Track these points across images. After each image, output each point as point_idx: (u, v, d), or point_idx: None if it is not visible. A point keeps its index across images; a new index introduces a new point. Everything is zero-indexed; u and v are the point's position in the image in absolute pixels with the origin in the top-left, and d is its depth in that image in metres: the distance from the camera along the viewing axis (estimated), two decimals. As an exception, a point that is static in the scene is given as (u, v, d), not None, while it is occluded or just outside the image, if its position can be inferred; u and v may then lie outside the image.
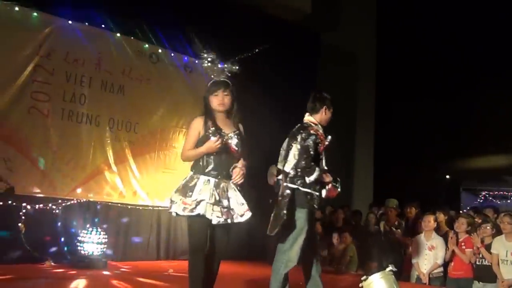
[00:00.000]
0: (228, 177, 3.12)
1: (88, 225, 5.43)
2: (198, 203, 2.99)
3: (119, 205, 5.86)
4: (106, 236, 5.37)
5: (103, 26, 5.73)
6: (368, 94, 8.93)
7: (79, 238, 5.28)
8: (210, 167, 3.10)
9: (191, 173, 3.15)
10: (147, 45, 6.12)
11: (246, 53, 6.66)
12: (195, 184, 3.06)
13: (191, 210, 2.98)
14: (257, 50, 6.74)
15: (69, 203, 5.48)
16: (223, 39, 6.47)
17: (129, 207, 5.92)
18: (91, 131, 5.67)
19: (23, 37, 5.17)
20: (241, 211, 3.11)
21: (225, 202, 3.06)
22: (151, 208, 6.12)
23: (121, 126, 5.90)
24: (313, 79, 8.06)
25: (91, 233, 5.26)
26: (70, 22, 5.48)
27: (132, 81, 5.98)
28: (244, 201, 3.16)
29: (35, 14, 5.26)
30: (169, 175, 6.25)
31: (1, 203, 5.00)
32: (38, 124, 5.30)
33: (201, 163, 3.10)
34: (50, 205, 5.35)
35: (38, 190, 5.31)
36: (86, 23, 5.62)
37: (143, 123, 6.06)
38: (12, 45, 5.10)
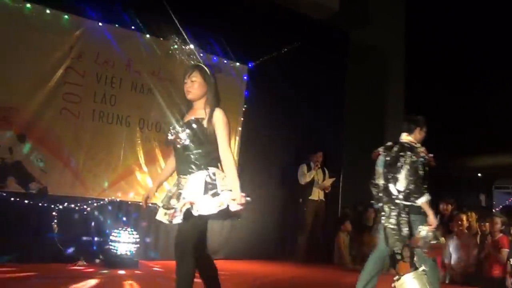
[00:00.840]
0: (186, 172, 2.90)
1: (119, 225, 5.49)
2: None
3: (149, 205, 5.85)
4: (137, 236, 5.41)
5: (132, 27, 5.74)
6: (397, 92, 8.77)
7: (111, 238, 5.33)
8: (176, 165, 3.01)
9: None
10: (176, 46, 6.11)
11: (275, 52, 6.70)
12: None
13: None
14: (286, 49, 6.78)
15: (100, 203, 5.54)
16: (252, 39, 6.51)
17: (158, 207, 5.92)
18: (121, 132, 5.70)
19: (54, 39, 5.23)
20: (205, 203, 2.79)
21: (172, 202, 2.96)
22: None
23: (151, 126, 5.92)
24: (342, 78, 7.96)
25: (122, 233, 5.31)
26: (100, 24, 5.52)
27: (162, 82, 5.99)
28: (221, 192, 2.83)
29: (66, 16, 5.32)
30: (199, 175, 6.25)
31: (34, 203, 5.09)
32: (70, 125, 5.36)
33: None
34: (82, 205, 5.42)
35: (70, 190, 5.36)
36: (116, 25, 5.65)
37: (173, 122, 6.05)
38: (43, 47, 5.17)
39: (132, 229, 5.42)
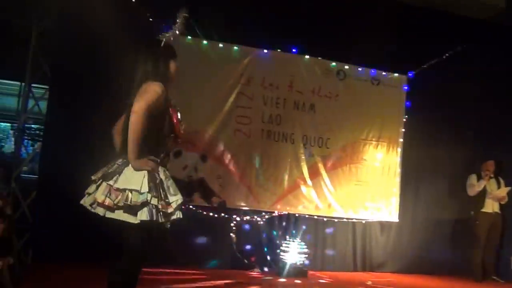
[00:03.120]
0: None
1: (288, 236, 5.86)
2: None
3: (315, 217, 6.16)
4: (305, 247, 5.71)
5: (293, 51, 6.15)
6: None
7: (282, 248, 5.72)
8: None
9: None
10: (334, 63, 6.36)
11: (436, 59, 6.49)
12: None
13: None
14: (448, 55, 6.51)
15: (271, 215, 5.99)
16: (410, 47, 6.41)
17: (324, 219, 6.18)
18: (287, 148, 6.10)
19: (227, 69, 5.89)
20: None
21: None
22: (346, 220, 6.29)
23: (313, 142, 6.22)
24: (513, 79, 7.30)
25: (292, 244, 5.66)
26: (265, 51, 6.04)
27: (322, 99, 6.27)
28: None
29: (235, 48, 5.95)
30: (361, 188, 6.36)
31: (216, 215, 5.74)
32: (242, 144, 5.93)
33: None
34: (255, 217, 5.93)
35: (244, 204, 5.90)
36: (279, 50, 6.11)
37: (334, 138, 6.29)
38: (219, 77, 5.85)
39: (300, 240, 5.74)
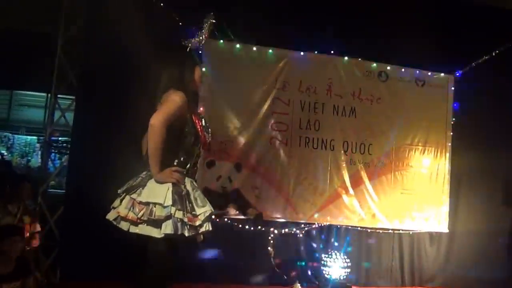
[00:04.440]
0: None
1: (330, 249, 5.49)
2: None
3: (358, 228, 5.77)
4: (348, 260, 5.34)
5: (332, 52, 5.78)
6: None
7: (323, 262, 5.36)
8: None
9: None
10: (375, 64, 5.96)
11: (485, 57, 6.03)
12: None
13: None
14: (498, 51, 6.04)
15: (311, 227, 5.63)
16: (457, 46, 5.96)
17: (368, 230, 5.78)
18: (327, 156, 5.73)
19: (261, 73, 5.56)
20: None
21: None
22: (391, 231, 5.86)
23: (355, 148, 5.83)
24: None
25: (334, 257, 5.30)
26: (302, 53, 5.68)
27: (363, 102, 5.87)
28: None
29: (270, 51, 5.61)
30: (408, 196, 5.92)
31: (252, 228, 5.42)
32: (279, 153, 5.59)
33: None
34: (294, 229, 5.58)
35: (282, 215, 5.56)
36: (316, 52, 5.74)
37: (376, 143, 5.87)
38: (252, 82, 5.53)
39: (343, 254, 5.37)
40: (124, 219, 2.55)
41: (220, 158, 5.36)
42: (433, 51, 5.84)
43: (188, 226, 2.54)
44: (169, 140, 2.56)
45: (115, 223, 2.63)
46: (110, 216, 2.65)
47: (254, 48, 5.55)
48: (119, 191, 2.67)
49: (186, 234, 2.54)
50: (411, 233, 5.95)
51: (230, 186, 5.42)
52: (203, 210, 2.62)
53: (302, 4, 5.59)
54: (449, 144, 6.13)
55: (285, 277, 5.44)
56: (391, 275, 5.88)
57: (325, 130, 5.73)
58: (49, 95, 5.21)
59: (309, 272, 5.54)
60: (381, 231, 5.84)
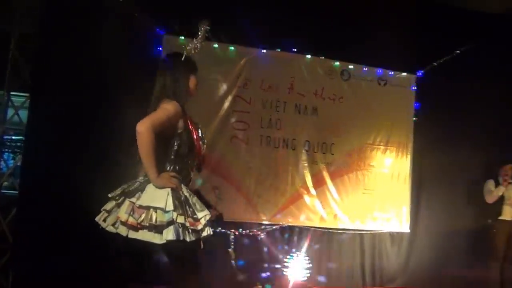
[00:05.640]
0: None
1: (291, 250, 5.43)
2: None
3: (320, 229, 5.73)
4: (309, 261, 5.29)
5: (294, 50, 5.70)
6: None
7: (284, 263, 5.30)
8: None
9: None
10: (337, 63, 5.92)
11: (447, 57, 6.06)
12: None
13: None
14: (459, 52, 6.07)
15: (272, 228, 5.56)
16: (418, 45, 5.96)
17: (330, 231, 5.75)
18: (288, 156, 5.66)
19: (222, 71, 5.45)
20: None
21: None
22: (353, 231, 5.84)
23: (317, 148, 5.78)
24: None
25: (295, 258, 5.24)
26: (264, 51, 5.60)
27: (325, 101, 5.82)
28: None
29: (231, 48, 5.50)
30: (369, 197, 5.91)
31: (212, 229, 5.31)
32: (240, 152, 5.49)
33: None
34: (255, 230, 5.50)
35: (243, 216, 5.47)
36: (278, 49, 5.67)
37: (339, 143, 5.84)
38: (213, 80, 5.41)
39: (304, 255, 5.32)
40: (124, 224, 2.50)
41: (179, 157, 5.25)
42: (395, 51, 5.84)
43: (189, 231, 2.54)
44: (160, 149, 2.55)
45: (112, 228, 2.56)
46: (109, 220, 2.58)
47: (215, 45, 5.42)
48: (110, 195, 2.62)
49: (188, 239, 2.52)
50: (372, 233, 5.94)
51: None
52: (204, 213, 2.63)
53: (264, 1, 5.49)
54: (411, 144, 6.15)
55: (246, 279, 5.35)
56: (352, 275, 5.85)
57: (287, 129, 5.65)
58: (2, 92, 5.03)
59: (270, 274, 5.44)
60: (342, 232, 5.80)
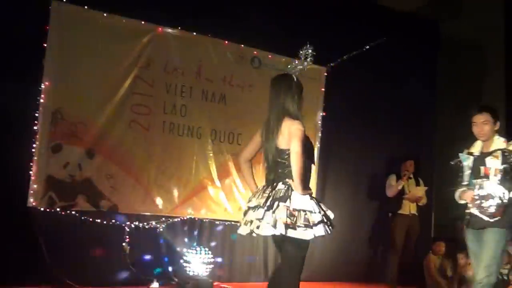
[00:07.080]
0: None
1: (193, 244, 5.12)
2: None
3: (224, 222, 5.47)
4: (211, 256, 5.01)
5: (203, 31, 5.35)
6: (496, 88, 7.69)
7: (185, 258, 4.97)
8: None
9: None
10: (247, 48, 5.66)
11: (355, 51, 6.06)
12: None
13: None
14: (368, 47, 6.11)
15: (172, 220, 5.20)
16: (329, 38, 5.89)
17: (233, 223, 5.50)
18: (192, 144, 5.33)
19: (121, 48, 4.94)
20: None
21: (259, 212, 3.00)
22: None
23: (223, 137, 5.50)
24: (433, 75, 7.13)
25: (196, 253, 4.94)
26: (169, 30, 5.17)
27: (234, 89, 5.56)
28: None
29: (132, 21, 5.00)
30: (275, 190, 5.74)
31: (105, 222, 4.84)
32: (139, 138, 5.06)
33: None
34: (153, 223, 5.10)
35: (141, 208, 5.06)
36: (185, 29, 5.28)
37: (246, 133, 5.57)
38: (110, 56, 4.90)
39: (206, 249, 5.03)
40: (285, 224, 2.77)
41: (69, 142, 4.67)
42: (309, 41, 5.70)
43: (331, 227, 2.93)
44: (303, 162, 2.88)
45: (273, 230, 2.77)
46: (263, 230, 2.82)
47: (119, 18, 4.90)
48: (249, 205, 3.04)
49: (326, 234, 2.88)
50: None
51: (80, 175, 4.77)
52: (331, 213, 3.02)
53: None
54: (319, 135, 6.08)
55: (141, 276, 4.94)
56: (254, 270, 5.70)
57: (192, 117, 5.31)
58: None
59: (169, 269, 5.12)
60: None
